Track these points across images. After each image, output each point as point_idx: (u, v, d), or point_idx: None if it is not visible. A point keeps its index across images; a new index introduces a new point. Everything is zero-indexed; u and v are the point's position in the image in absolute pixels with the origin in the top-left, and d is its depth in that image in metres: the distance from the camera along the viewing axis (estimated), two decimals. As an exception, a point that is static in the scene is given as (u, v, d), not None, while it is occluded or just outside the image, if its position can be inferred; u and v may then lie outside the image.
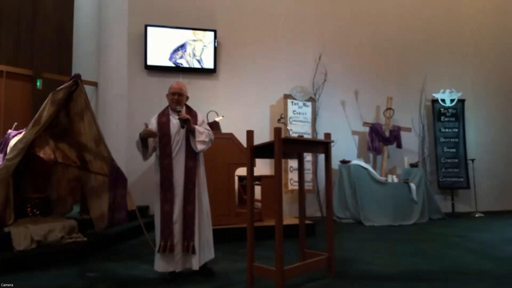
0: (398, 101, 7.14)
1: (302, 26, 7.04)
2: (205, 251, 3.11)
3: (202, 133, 3.05)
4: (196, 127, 3.06)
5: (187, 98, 3.22)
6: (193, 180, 3.06)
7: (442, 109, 7.35)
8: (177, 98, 3.12)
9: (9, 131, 4.64)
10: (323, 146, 3.35)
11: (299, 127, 6.48)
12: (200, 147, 3.03)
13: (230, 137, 4.88)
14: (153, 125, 3.11)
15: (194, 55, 6.45)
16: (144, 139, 3.06)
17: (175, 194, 3.00)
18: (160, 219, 3.00)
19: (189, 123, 3.01)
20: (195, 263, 3.00)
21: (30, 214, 4.22)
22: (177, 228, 2.97)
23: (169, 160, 3.03)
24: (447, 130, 7.33)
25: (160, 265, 3.01)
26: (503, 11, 7.94)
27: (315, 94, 6.87)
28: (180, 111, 3.03)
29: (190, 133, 3.06)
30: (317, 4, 7.16)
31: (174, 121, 3.09)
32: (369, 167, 6.50)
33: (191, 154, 3.07)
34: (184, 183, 3.03)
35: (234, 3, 6.79)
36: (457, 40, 7.72)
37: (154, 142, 3.10)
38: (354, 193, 6.32)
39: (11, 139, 4.38)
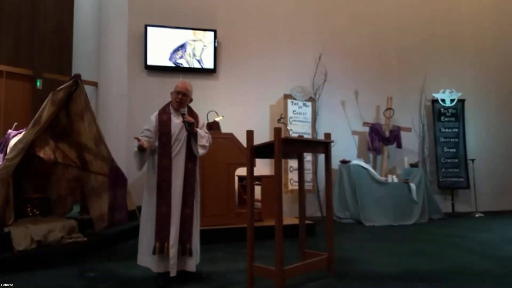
0: (398, 101, 7.14)
1: (302, 26, 7.04)
2: (197, 255, 3.11)
3: (203, 137, 3.05)
4: (198, 130, 3.04)
5: (191, 100, 3.18)
6: (193, 183, 3.03)
7: (442, 109, 7.35)
8: (181, 98, 3.06)
9: (9, 131, 4.63)
10: (323, 146, 3.35)
11: (299, 127, 6.47)
12: (201, 151, 3.03)
13: (230, 137, 4.88)
14: (152, 123, 3.03)
15: (194, 55, 6.45)
16: (142, 150, 2.94)
17: (173, 196, 2.94)
18: (157, 220, 2.92)
19: (193, 126, 2.98)
20: (192, 265, 2.99)
21: (30, 214, 4.22)
22: (174, 230, 2.90)
23: (168, 160, 2.96)
24: (447, 130, 7.33)
25: (157, 265, 2.92)
26: (503, 11, 7.93)
27: (315, 94, 6.87)
28: (184, 114, 2.99)
29: (192, 136, 3.03)
30: (317, 4, 7.15)
31: (176, 121, 3.04)
32: (369, 167, 6.50)
33: (191, 157, 3.05)
34: (183, 185, 2.98)
35: (234, 3, 6.79)
36: (457, 40, 7.71)
37: (153, 146, 3.02)
38: (354, 193, 6.31)
39: (11, 139, 4.38)
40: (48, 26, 6.80)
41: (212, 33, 6.48)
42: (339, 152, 6.50)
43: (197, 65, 6.46)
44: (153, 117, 3.07)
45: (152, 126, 3.03)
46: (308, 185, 6.45)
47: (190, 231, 2.98)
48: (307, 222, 4.61)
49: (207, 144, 3.08)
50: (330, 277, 3.12)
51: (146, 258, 3.00)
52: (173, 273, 2.89)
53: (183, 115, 2.99)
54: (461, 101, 7.34)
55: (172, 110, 3.09)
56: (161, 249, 2.88)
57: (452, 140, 7.29)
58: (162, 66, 6.31)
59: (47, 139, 4.39)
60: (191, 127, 2.97)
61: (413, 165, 6.81)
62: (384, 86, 7.25)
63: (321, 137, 6.08)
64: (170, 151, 2.98)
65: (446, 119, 7.34)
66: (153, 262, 2.94)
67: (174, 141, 3.01)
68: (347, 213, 6.36)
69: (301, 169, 3.52)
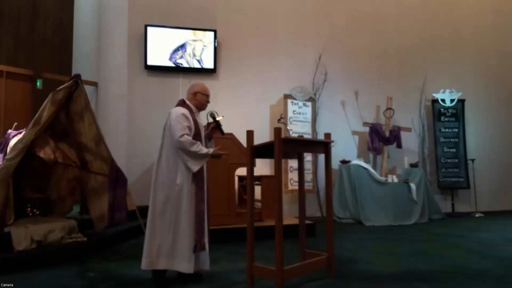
0: (398, 101, 7.14)
1: (302, 26, 7.04)
2: None
3: None
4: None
5: None
6: (207, 182, 3.16)
7: (442, 109, 7.35)
8: (209, 101, 3.23)
9: (9, 131, 4.63)
10: (323, 146, 3.35)
11: (299, 127, 6.47)
12: None
13: (230, 137, 4.87)
14: (190, 121, 2.98)
15: (194, 55, 6.45)
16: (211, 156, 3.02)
17: (204, 194, 3.04)
18: (196, 218, 2.92)
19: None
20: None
21: (30, 214, 4.22)
22: (206, 227, 3.02)
23: None
24: (447, 130, 7.33)
25: (190, 265, 2.87)
26: (503, 11, 7.93)
27: (315, 94, 6.87)
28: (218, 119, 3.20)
29: (208, 139, 3.23)
30: (317, 4, 7.16)
31: (199, 121, 3.14)
32: (369, 167, 6.49)
33: None
34: (207, 184, 3.13)
35: (234, 3, 6.79)
36: (457, 40, 7.71)
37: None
38: (354, 193, 6.31)
39: (11, 139, 4.38)
40: (48, 26, 6.81)
41: (212, 33, 6.48)
42: (339, 152, 6.50)
43: (197, 65, 6.46)
44: (187, 114, 2.99)
45: (192, 125, 2.99)
46: (308, 185, 6.45)
47: (207, 227, 3.11)
48: (307, 222, 4.61)
49: None
50: (330, 277, 3.12)
51: (162, 260, 2.90)
52: (207, 267, 3.04)
53: (216, 119, 3.20)
54: (461, 101, 7.34)
55: (194, 110, 3.13)
56: (202, 246, 2.93)
57: (452, 140, 7.30)
58: (162, 66, 6.31)
59: (47, 139, 4.39)
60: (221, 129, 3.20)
61: (413, 165, 6.81)
62: (384, 86, 7.25)
63: (321, 137, 6.08)
64: None
65: (446, 119, 7.34)
66: (184, 263, 2.87)
67: (202, 141, 3.09)
68: (347, 213, 6.36)
69: (301, 169, 3.52)
